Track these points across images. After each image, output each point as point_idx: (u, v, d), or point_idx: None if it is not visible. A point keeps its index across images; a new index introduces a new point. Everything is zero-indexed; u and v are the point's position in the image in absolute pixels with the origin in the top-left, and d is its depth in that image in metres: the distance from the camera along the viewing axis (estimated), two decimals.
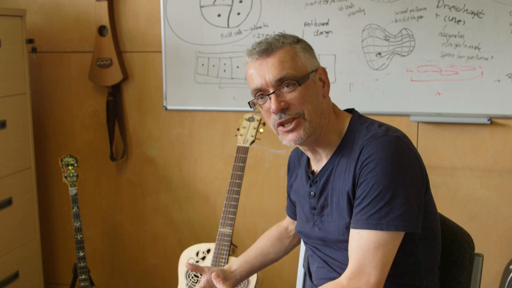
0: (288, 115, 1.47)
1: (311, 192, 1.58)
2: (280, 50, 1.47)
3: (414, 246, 1.49)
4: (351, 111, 1.60)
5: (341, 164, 1.51)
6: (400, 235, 1.41)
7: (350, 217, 1.47)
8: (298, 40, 1.51)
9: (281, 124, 1.49)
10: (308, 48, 1.53)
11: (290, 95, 1.46)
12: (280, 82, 1.46)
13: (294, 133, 1.48)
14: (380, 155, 1.41)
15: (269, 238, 1.87)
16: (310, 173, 1.61)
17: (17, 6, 3.10)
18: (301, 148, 1.61)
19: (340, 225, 1.50)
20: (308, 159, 1.65)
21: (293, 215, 1.82)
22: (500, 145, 2.60)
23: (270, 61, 1.47)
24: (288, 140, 1.50)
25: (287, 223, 1.88)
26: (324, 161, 1.56)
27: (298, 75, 1.47)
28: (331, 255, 1.57)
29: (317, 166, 1.60)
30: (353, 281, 1.38)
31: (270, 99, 1.47)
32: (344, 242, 1.50)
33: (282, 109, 1.46)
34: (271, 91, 1.47)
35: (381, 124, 1.51)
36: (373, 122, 1.52)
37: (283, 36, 1.50)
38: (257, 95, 1.51)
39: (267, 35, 2.77)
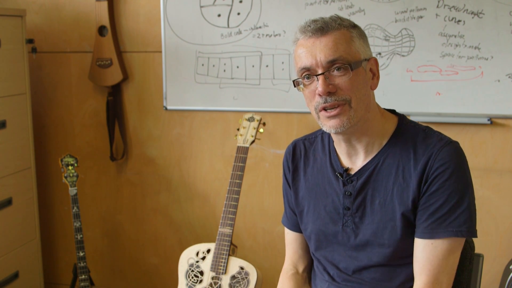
0: (334, 100, 1.39)
1: (346, 192, 1.50)
2: (336, 31, 1.40)
3: None
4: (391, 111, 1.55)
5: (387, 165, 1.46)
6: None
7: (403, 221, 1.43)
8: (355, 25, 1.44)
9: (324, 109, 1.41)
10: (363, 36, 1.45)
11: (340, 79, 1.39)
12: (331, 64, 1.38)
13: (337, 120, 1.40)
14: (455, 162, 1.41)
15: None
16: (344, 170, 1.52)
17: (17, 6, 3.10)
18: (337, 138, 1.52)
19: (387, 228, 1.45)
20: (331, 154, 1.56)
21: (294, 227, 1.68)
22: (500, 145, 2.60)
23: (324, 41, 1.39)
24: (329, 126, 1.42)
25: (295, 263, 1.70)
26: (361, 158, 1.50)
27: (351, 60, 1.39)
28: (357, 257, 1.51)
29: (350, 162, 1.52)
30: None
31: (317, 80, 1.39)
32: (385, 247, 1.46)
33: (329, 93, 1.38)
34: (320, 72, 1.39)
35: (432, 129, 1.49)
36: (426, 126, 1.50)
37: (340, 18, 1.43)
38: (303, 74, 1.42)
39: (267, 35, 2.77)
